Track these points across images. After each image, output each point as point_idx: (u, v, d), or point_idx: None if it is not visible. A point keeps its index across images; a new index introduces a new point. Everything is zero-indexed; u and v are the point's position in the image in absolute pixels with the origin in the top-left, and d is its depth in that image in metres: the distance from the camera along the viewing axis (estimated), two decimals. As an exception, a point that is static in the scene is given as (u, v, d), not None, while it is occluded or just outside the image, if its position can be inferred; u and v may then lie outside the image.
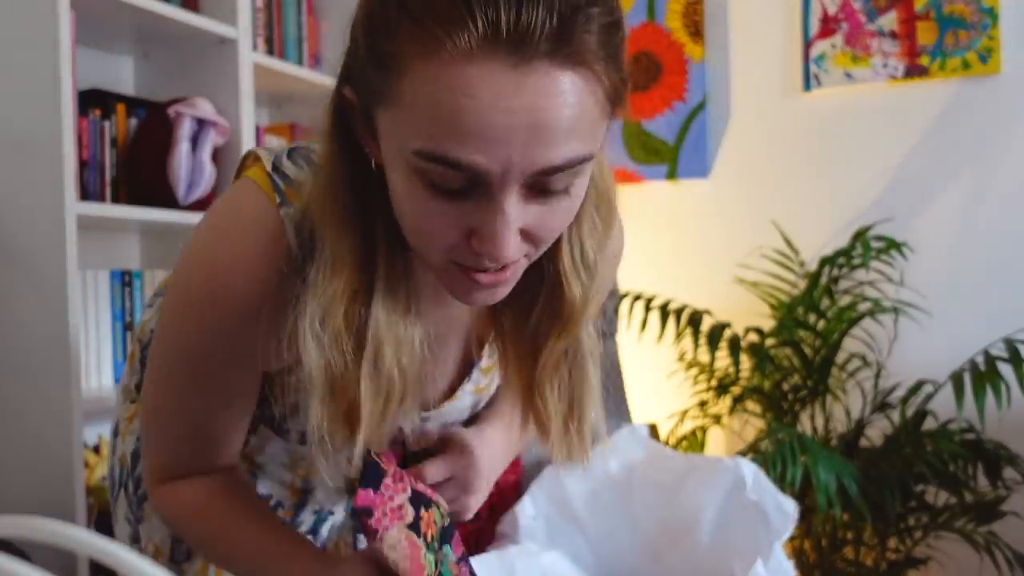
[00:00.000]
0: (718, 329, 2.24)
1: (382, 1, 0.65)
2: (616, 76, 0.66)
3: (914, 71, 2.51)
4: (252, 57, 2.17)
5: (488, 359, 0.93)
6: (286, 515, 1.00)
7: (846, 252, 2.33)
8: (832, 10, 2.59)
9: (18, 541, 1.48)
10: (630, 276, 2.58)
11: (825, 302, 2.36)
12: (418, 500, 0.83)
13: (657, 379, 2.69)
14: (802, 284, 2.47)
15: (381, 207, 0.73)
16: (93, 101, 1.95)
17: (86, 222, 1.83)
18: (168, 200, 1.98)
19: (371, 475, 0.80)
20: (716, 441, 2.66)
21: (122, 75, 2.21)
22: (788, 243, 2.54)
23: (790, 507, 1.69)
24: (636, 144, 2.81)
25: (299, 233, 0.76)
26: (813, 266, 2.43)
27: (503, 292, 0.74)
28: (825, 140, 2.63)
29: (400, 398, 0.78)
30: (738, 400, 2.41)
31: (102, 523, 1.84)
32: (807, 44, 2.62)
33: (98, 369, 1.99)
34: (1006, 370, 1.99)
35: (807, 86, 2.62)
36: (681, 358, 2.56)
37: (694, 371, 2.55)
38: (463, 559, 0.87)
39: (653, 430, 2.40)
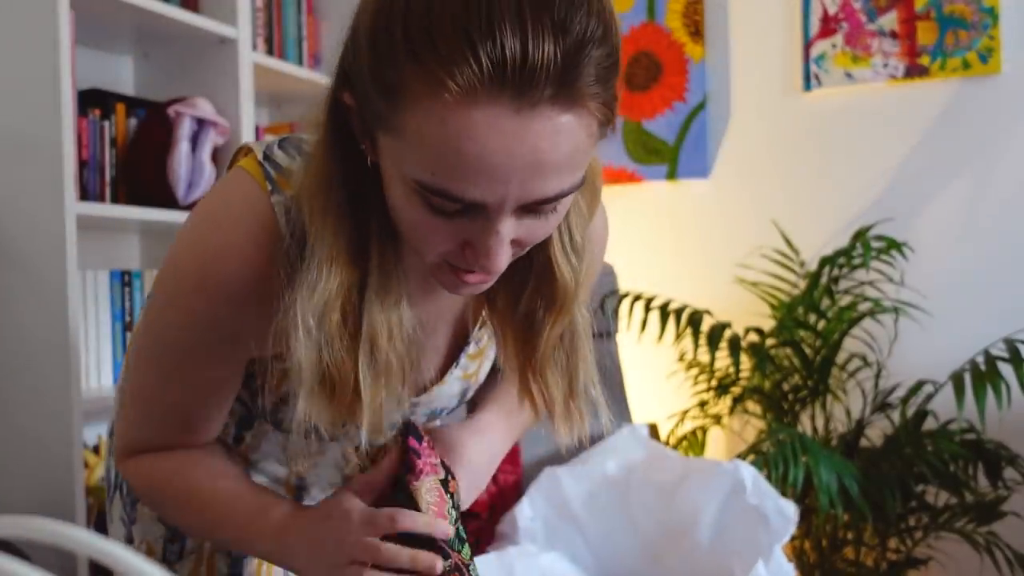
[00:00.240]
0: (718, 329, 2.24)
1: (387, 26, 0.64)
2: (609, 108, 0.67)
3: (914, 71, 2.51)
4: (252, 57, 2.17)
5: (475, 345, 0.94)
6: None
7: (846, 252, 2.33)
8: (832, 10, 2.59)
9: (18, 541, 1.48)
10: (630, 276, 2.58)
11: (825, 302, 2.36)
12: (446, 467, 0.88)
13: (657, 379, 2.69)
14: (802, 284, 2.47)
15: (375, 201, 0.74)
16: (93, 101, 1.95)
17: (86, 222, 1.83)
18: (168, 200, 1.98)
19: (415, 432, 0.86)
20: (716, 441, 2.66)
21: (122, 75, 2.21)
22: (788, 243, 2.54)
23: (790, 510, 1.69)
24: (636, 144, 2.81)
25: (290, 220, 0.77)
26: (813, 266, 2.43)
27: (491, 283, 0.76)
28: (825, 140, 2.63)
29: (398, 383, 0.79)
30: (738, 400, 2.41)
31: (102, 523, 1.84)
32: (807, 44, 2.62)
33: (98, 369, 1.99)
34: (1006, 370, 1.98)
35: (807, 86, 2.62)
36: (681, 358, 2.56)
37: (694, 371, 2.55)
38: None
39: (653, 430, 2.40)
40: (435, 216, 0.68)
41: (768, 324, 2.44)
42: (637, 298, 2.42)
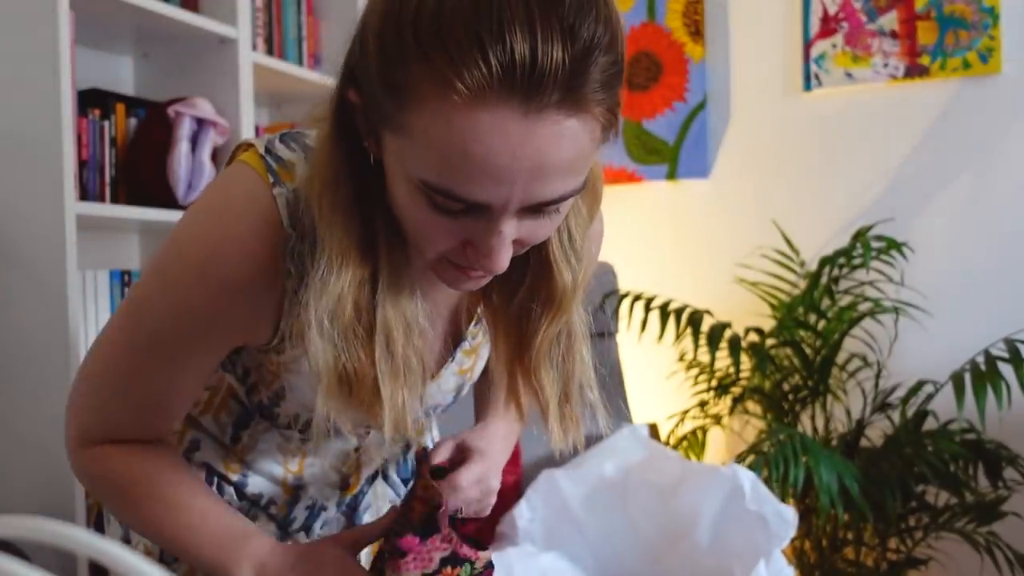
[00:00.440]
0: (718, 329, 2.24)
1: (397, 27, 0.64)
2: (613, 114, 0.68)
3: (914, 71, 2.51)
4: (252, 57, 2.17)
5: (471, 341, 0.94)
6: (279, 512, 1.00)
7: (846, 252, 2.33)
8: (832, 10, 2.59)
9: (18, 541, 1.48)
10: (630, 276, 2.58)
11: (825, 302, 2.36)
12: (452, 559, 0.86)
13: (657, 379, 2.69)
14: (802, 284, 2.47)
15: (380, 198, 0.74)
16: (93, 101, 1.95)
17: (86, 222, 1.82)
18: (168, 200, 1.98)
19: (426, 528, 0.85)
20: (716, 441, 2.66)
21: (122, 75, 2.20)
22: (788, 243, 2.54)
23: (790, 515, 1.69)
24: (636, 144, 2.81)
25: (292, 212, 0.77)
26: (813, 266, 2.43)
27: (489, 279, 0.77)
28: (825, 140, 2.63)
29: (418, 378, 0.79)
30: (738, 400, 2.41)
31: (101, 523, 1.84)
32: (807, 44, 2.62)
33: (98, 369, 1.99)
34: (1007, 370, 1.99)
35: (807, 86, 2.62)
36: (681, 358, 2.56)
37: (694, 371, 2.55)
38: None
39: (653, 430, 2.40)
40: (438, 215, 0.68)
41: (768, 324, 2.44)
42: (637, 298, 2.42)
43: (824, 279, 2.36)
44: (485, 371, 1.02)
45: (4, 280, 1.76)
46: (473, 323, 0.93)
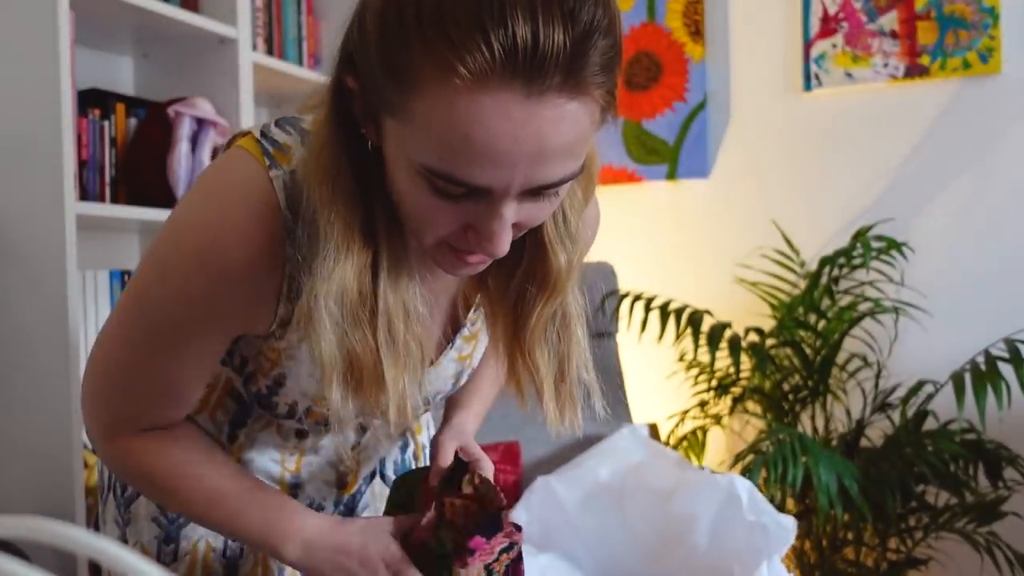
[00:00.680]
0: (718, 329, 2.24)
1: (398, 11, 0.64)
2: (611, 95, 0.68)
3: (914, 71, 2.51)
4: (252, 57, 2.17)
5: (471, 327, 0.94)
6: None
7: (846, 252, 2.33)
8: (832, 10, 2.59)
9: (18, 541, 1.48)
10: (630, 276, 2.58)
11: (825, 302, 2.36)
12: (508, 548, 0.90)
13: (657, 379, 2.69)
14: (802, 284, 2.47)
15: (378, 185, 0.75)
16: (93, 101, 1.95)
17: (86, 222, 1.83)
18: (168, 200, 1.98)
19: (490, 526, 0.88)
20: (716, 441, 2.66)
21: (122, 75, 2.20)
22: (788, 243, 2.54)
23: (789, 522, 1.67)
24: (636, 144, 2.81)
25: (289, 195, 0.77)
26: (813, 266, 2.43)
27: (487, 263, 0.77)
28: (825, 140, 2.63)
29: (418, 363, 0.80)
30: (738, 400, 2.41)
31: (99, 524, 1.84)
32: (807, 44, 2.62)
33: (98, 369, 1.98)
34: (1007, 370, 1.98)
35: (807, 86, 2.62)
36: (681, 358, 2.56)
37: (694, 371, 2.55)
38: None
39: (653, 430, 2.40)
40: (439, 199, 0.69)
41: (768, 324, 2.44)
42: (637, 298, 2.42)
43: (824, 279, 2.36)
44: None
45: (4, 280, 1.76)
46: (472, 310, 0.93)
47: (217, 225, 0.77)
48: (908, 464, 2.13)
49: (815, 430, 2.35)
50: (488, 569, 0.89)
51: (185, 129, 1.97)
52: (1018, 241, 2.42)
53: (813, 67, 2.61)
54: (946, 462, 2.11)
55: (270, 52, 2.40)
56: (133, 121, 2.03)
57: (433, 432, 1.18)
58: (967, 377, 2.01)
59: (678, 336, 2.33)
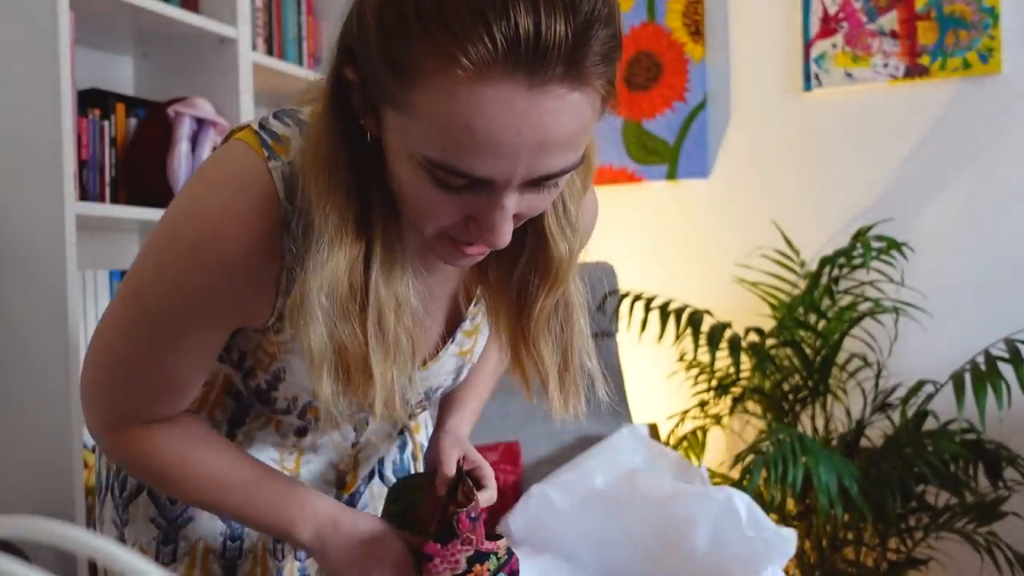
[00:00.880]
0: (718, 329, 2.24)
1: (398, 3, 0.64)
2: (611, 85, 0.68)
3: (914, 71, 2.51)
4: (252, 57, 2.17)
5: (471, 321, 0.94)
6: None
7: (846, 252, 2.33)
8: (832, 10, 2.59)
9: (18, 541, 1.48)
10: (630, 276, 2.58)
11: (825, 302, 2.36)
12: (477, 557, 0.90)
13: (657, 379, 2.69)
14: (802, 284, 2.47)
15: (375, 176, 0.75)
16: (93, 101, 1.95)
17: (86, 222, 1.83)
18: (168, 200, 1.97)
19: (445, 533, 0.89)
20: (716, 441, 2.66)
21: (122, 75, 2.21)
22: (788, 243, 2.54)
23: (790, 534, 1.65)
24: (636, 144, 2.81)
25: (287, 186, 0.77)
26: (813, 266, 2.43)
27: (486, 253, 0.77)
28: (825, 140, 2.63)
29: (408, 357, 0.80)
30: (738, 400, 2.41)
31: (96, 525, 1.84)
32: (807, 44, 2.62)
33: (98, 369, 1.98)
34: (1007, 370, 1.98)
35: (807, 86, 2.62)
36: (681, 358, 2.56)
37: (694, 371, 2.55)
38: None
39: (653, 430, 2.40)
40: (441, 191, 0.69)
41: (768, 324, 2.44)
42: (637, 298, 2.42)
43: (824, 279, 2.36)
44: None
45: (4, 280, 1.76)
46: (473, 304, 0.93)
47: (216, 218, 0.77)
48: (908, 464, 2.13)
49: (815, 430, 2.35)
50: None
51: (185, 129, 1.97)
52: (1018, 241, 2.42)
53: (813, 67, 2.61)
54: (946, 462, 2.11)
55: (270, 52, 2.40)
56: (133, 121, 2.03)
57: (431, 431, 1.18)
58: (967, 377, 2.01)
59: (678, 336, 2.33)
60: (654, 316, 2.35)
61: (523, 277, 0.83)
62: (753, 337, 2.34)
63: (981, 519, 2.15)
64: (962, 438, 2.15)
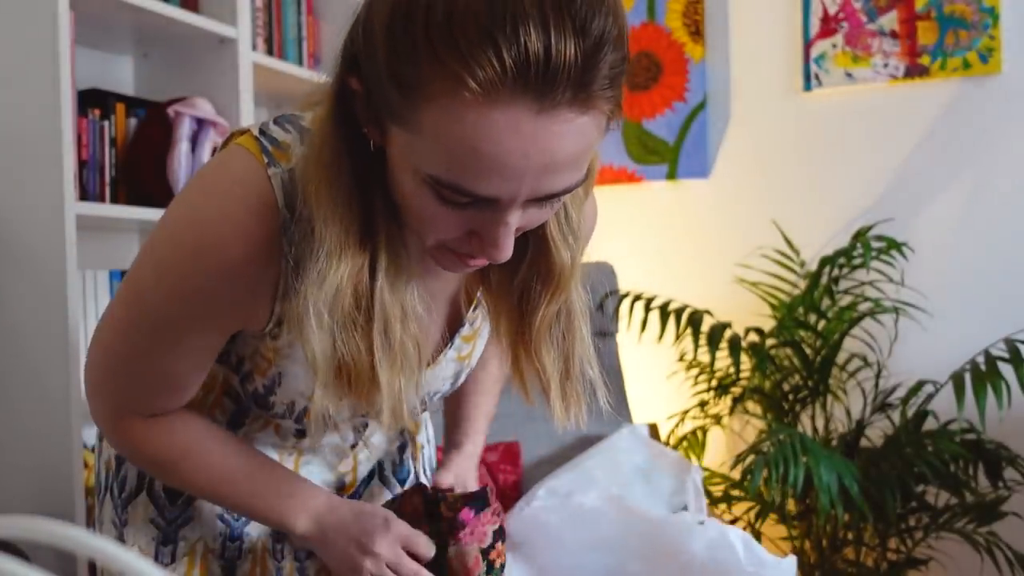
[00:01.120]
0: (718, 329, 2.24)
1: (406, 22, 0.63)
2: (617, 106, 0.68)
3: (915, 71, 2.51)
4: (252, 57, 2.17)
5: (470, 327, 0.94)
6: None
7: (846, 252, 2.33)
8: (832, 10, 2.59)
9: (18, 541, 1.48)
10: (630, 276, 2.58)
11: (825, 302, 2.36)
12: (500, 533, 0.94)
13: (657, 379, 2.69)
14: (802, 284, 2.47)
15: (378, 183, 0.74)
16: (93, 101, 1.95)
17: (86, 222, 1.83)
18: (168, 200, 1.97)
19: (479, 502, 0.94)
20: (716, 441, 2.66)
21: (122, 75, 2.20)
22: (788, 243, 2.54)
23: (790, 564, 1.62)
24: (636, 144, 2.81)
25: (287, 193, 0.77)
26: (813, 266, 2.43)
27: (487, 263, 0.77)
28: (825, 140, 2.63)
29: (415, 364, 0.80)
30: (738, 400, 2.41)
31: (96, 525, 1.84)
32: (807, 44, 2.62)
33: (98, 369, 1.98)
34: (1007, 370, 1.98)
35: (807, 86, 2.62)
36: (681, 358, 2.56)
37: (694, 371, 2.55)
38: None
39: (653, 430, 2.40)
40: (444, 206, 0.69)
41: (768, 324, 2.44)
42: (637, 298, 2.42)
43: (824, 279, 2.36)
44: (454, 393, 1.06)
45: (4, 280, 1.76)
46: (472, 308, 0.93)
47: (216, 225, 0.77)
48: (908, 464, 2.13)
49: (815, 430, 2.35)
50: (488, 562, 0.91)
51: (185, 129, 1.97)
52: (1018, 241, 2.42)
53: (813, 67, 2.61)
54: (946, 462, 2.11)
55: (270, 52, 2.40)
56: (133, 121, 2.03)
57: (431, 431, 1.19)
58: (967, 377, 2.00)
59: (678, 336, 2.33)
60: (654, 316, 2.35)
61: (525, 283, 0.83)
62: (753, 337, 2.34)
63: (981, 519, 2.15)
64: (962, 438, 2.15)
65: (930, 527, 2.19)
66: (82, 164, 1.90)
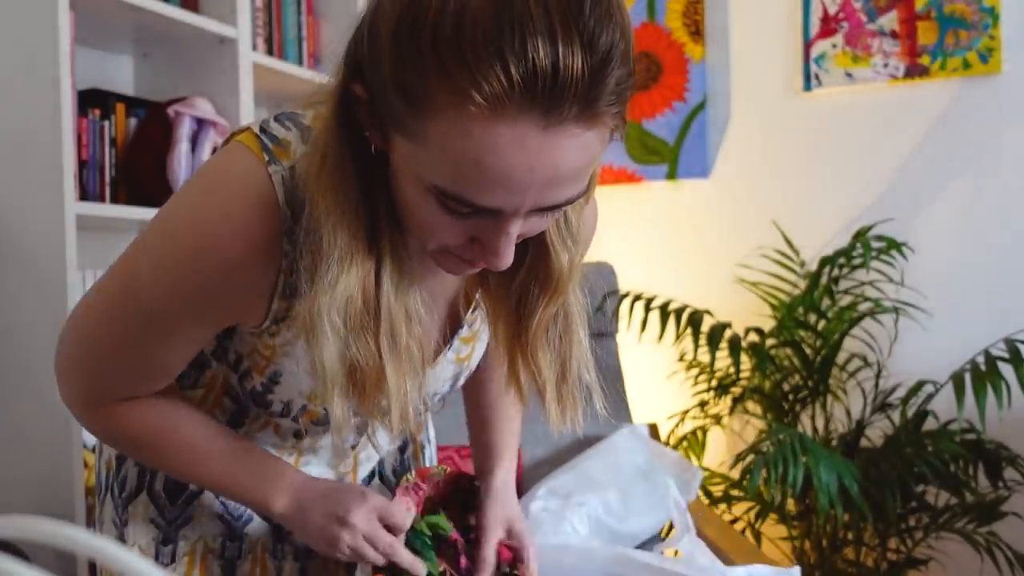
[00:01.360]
0: (718, 329, 2.24)
1: (413, 34, 0.63)
2: (622, 119, 0.68)
3: (915, 71, 2.51)
4: (252, 57, 2.17)
5: (469, 328, 0.94)
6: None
7: (846, 252, 2.33)
8: (832, 10, 2.59)
9: (18, 541, 1.48)
10: (630, 276, 2.58)
11: (825, 302, 2.36)
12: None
13: (657, 379, 2.69)
14: (802, 284, 2.47)
15: (380, 187, 0.74)
16: (93, 101, 1.95)
17: (86, 222, 1.83)
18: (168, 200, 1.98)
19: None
20: (716, 441, 2.66)
21: (122, 75, 2.20)
22: (788, 243, 2.54)
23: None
24: (636, 144, 2.81)
25: (287, 191, 0.77)
26: (813, 266, 2.43)
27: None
28: (825, 140, 2.63)
29: (419, 366, 0.80)
30: (738, 400, 2.41)
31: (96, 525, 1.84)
32: (807, 44, 2.62)
33: (98, 369, 1.98)
34: (1007, 370, 1.98)
35: (807, 86, 2.62)
36: (681, 358, 2.56)
37: (694, 371, 2.55)
38: None
39: (653, 430, 2.40)
40: (446, 215, 0.69)
41: (768, 324, 2.44)
42: (637, 298, 2.42)
43: (824, 279, 2.36)
44: (477, 415, 1.08)
45: (4, 280, 1.76)
46: (471, 309, 0.93)
47: (217, 225, 0.77)
48: (908, 464, 2.13)
49: (815, 430, 2.35)
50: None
51: (185, 129, 1.97)
52: (1018, 241, 2.42)
53: (813, 67, 2.61)
54: (946, 462, 2.11)
55: (270, 52, 2.40)
56: (133, 121, 2.03)
57: (432, 432, 1.19)
58: (967, 377, 2.00)
59: (678, 336, 2.33)
60: (654, 316, 2.35)
61: (523, 287, 0.83)
62: (753, 337, 2.34)
63: (981, 519, 2.15)
64: (962, 438, 2.15)
65: (930, 527, 2.19)
66: (82, 164, 1.90)
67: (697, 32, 2.75)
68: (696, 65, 2.75)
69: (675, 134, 2.77)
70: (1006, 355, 2.01)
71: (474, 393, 1.11)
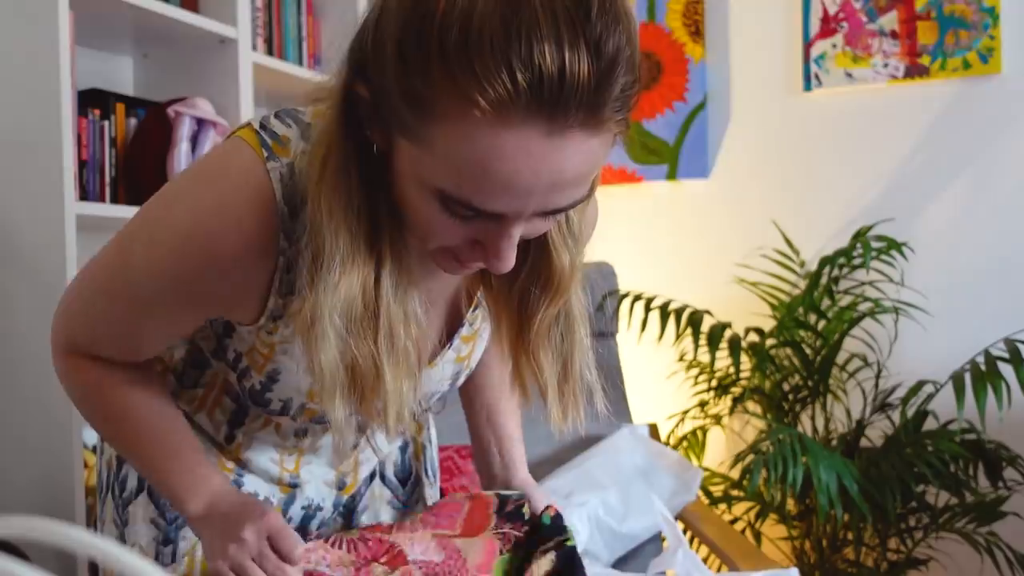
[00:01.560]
0: (718, 329, 2.24)
1: (419, 38, 0.63)
2: (626, 124, 0.68)
3: (914, 71, 2.51)
4: (252, 57, 2.17)
5: (469, 327, 0.94)
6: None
7: (846, 252, 2.33)
8: (832, 10, 2.59)
9: (18, 541, 1.48)
10: (630, 276, 2.58)
11: (825, 302, 2.36)
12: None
13: (657, 379, 2.69)
14: (802, 284, 2.47)
15: (381, 187, 0.74)
16: (93, 101, 1.95)
17: (86, 222, 1.83)
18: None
19: None
20: (716, 441, 2.66)
21: (122, 75, 2.20)
22: (788, 243, 2.54)
23: None
24: (636, 144, 2.81)
25: (285, 186, 0.76)
26: (813, 266, 2.43)
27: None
28: (825, 140, 2.63)
29: (415, 367, 0.80)
30: (738, 400, 2.41)
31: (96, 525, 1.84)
32: (807, 44, 2.62)
33: (98, 369, 1.98)
34: (1007, 370, 1.98)
35: (807, 86, 2.62)
36: (681, 358, 2.56)
37: (694, 371, 2.55)
38: None
39: (653, 430, 2.40)
40: (449, 218, 0.69)
41: (768, 324, 2.44)
42: (637, 298, 2.42)
43: (824, 279, 2.36)
44: (480, 415, 1.08)
45: (4, 280, 1.76)
46: (472, 308, 0.93)
47: (212, 216, 0.77)
48: (908, 464, 2.13)
49: (815, 430, 2.35)
50: None
51: (185, 129, 1.97)
52: (1018, 241, 2.42)
53: (813, 67, 2.61)
54: (946, 462, 2.11)
55: (270, 52, 2.40)
56: (133, 121, 2.03)
57: (434, 432, 1.19)
58: (967, 377, 2.01)
59: (678, 336, 2.33)
60: (654, 316, 2.35)
61: (524, 287, 0.83)
62: (753, 337, 2.34)
63: (981, 519, 2.15)
64: (962, 438, 2.15)
65: (930, 527, 2.19)
66: (82, 164, 1.90)
67: (697, 32, 2.75)
68: (696, 65, 2.75)
69: (675, 134, 2.77)
70: (1006, 355, 2.01)
71: (475, 393, 1.11)
